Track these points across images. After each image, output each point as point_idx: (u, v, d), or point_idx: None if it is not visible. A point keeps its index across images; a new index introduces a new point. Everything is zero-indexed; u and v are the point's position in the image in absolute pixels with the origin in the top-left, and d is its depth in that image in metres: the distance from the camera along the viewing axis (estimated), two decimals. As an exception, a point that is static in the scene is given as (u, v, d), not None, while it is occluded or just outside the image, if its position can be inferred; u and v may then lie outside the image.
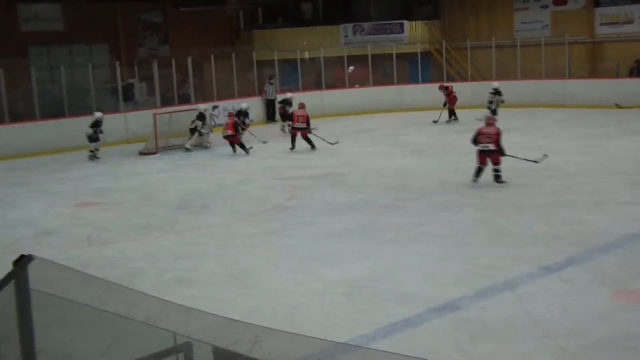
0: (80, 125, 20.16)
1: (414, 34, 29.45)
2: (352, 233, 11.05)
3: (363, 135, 21.65)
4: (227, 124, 19.53)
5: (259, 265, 9.71)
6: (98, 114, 20.08)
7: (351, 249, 10.27)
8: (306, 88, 27.41)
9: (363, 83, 28.40)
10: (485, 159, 13.75)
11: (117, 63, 23.86)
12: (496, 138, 13.60)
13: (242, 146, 18.96)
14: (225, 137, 19.24)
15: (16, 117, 21.77)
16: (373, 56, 27.92)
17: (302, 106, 19.71)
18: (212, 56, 24.94)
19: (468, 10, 30.24)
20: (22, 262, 3.31)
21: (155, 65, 23.90)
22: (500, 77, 26.64)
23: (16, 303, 3.30)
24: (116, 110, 23.23)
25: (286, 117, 21.72)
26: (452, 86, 24.00)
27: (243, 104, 21.72)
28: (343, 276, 9.05)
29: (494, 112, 21.31)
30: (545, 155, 14.18)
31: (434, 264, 9.42)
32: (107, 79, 25.74)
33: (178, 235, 11.55)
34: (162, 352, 3.40)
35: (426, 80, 28.12)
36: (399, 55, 28.11)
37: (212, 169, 17.62)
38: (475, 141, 13.85)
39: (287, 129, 21.03)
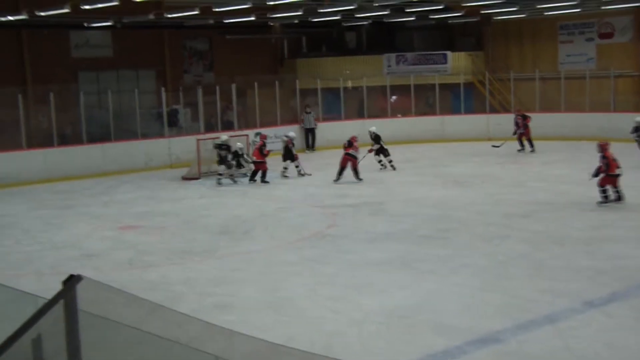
0: (125, 149, 20.52)
1: (457, 64, 29.44)
2: (391, 262, 11.04)
3: (404, 165, 21.63)
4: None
5: (298, 293, 9.74)
6: (224, 137, 20.07)
7: (390, 278, 10.26)
8: (348, 117, 27.53)
9: (405, 113, 28.42)
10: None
11: (163, 89, 24.31)
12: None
13: (263, 175, 19.19)
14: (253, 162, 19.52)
15: (64, 140, 22.26)
16: (416, 86, 27.96)
17: (354, 139, 19.43)
18: (255, 83, 25.24)
19: (512, 42, 30.18)
20: (72, 282, 3.40)
21: (199, 92, 24.26)
22: (543, 110, 26.47)
23: (65, 322, 3.39)
24: (161, 135, 23.61)
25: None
26: (530, 117, 23.46)
27: (238, 143, 20.24)
28: (382, 305, 9.04)
29: None
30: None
31: (474, 296, 9.36)
32: (152, 105, 26.19)
33: (219, 260, 11.65)
34: (204, 375, 3.45)
35: (468, 111, 28.05)
36: (441, 86, 28.11)
37: (253, 195, 17.75)
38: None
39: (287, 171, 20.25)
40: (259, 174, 19.27)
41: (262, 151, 19.40)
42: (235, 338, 3.39)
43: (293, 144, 20.50)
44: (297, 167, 20.10)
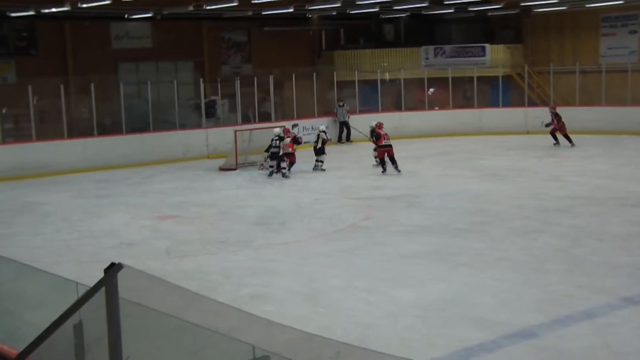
0: (164, 139, 20.73)
1: (495, 57, 29.18)
2: (426, 255, 11.02)
3: (441, 157, 21.54)
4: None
5: (333, 284, 9.78)
6: (277, 130, 19.83)
7: (425, 271, 10.24)
8: (386, 109, 27.46)
9: (443, 105, 28.28)
10: None
11: (201, 80, 24.50)
12: None
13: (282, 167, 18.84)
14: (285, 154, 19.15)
15: (104, 130, 22.56)
16: (454, 79, 27.78)
17: (380, 125, 19.36)
18: (293, 75, 25.30)
19: (552, 34, 29.79)
20: (113, 270, 3.47)
21: (237, 83, 24.39)
22: (583, 103, 26.12)
23: (106, 309, 3.46)
24: (198, 126, 23.79)
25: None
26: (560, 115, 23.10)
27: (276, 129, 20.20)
28: (417, 298, 9.03)
29: None
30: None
31: (510, 290, 9.31)
32: (190, 96, 26.41)
33: (255, 251, 11.73)
34: (241, 364, 3.49)
35: (507, 104, 27.81)
36: (479, 79, 27.89)
37: (290, 187, 17.82)
38: None
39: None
40: (285, 164, 18.93)
41: (298, 141, 19.45)
42: (272, 328, 3.43)
43: (327, 138, 20.41)
44: (319, 161, 19.86)
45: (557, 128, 22.78)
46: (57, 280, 5.47)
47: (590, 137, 23.69)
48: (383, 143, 18.83)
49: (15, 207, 16.01)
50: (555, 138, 22.82)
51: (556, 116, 22.92)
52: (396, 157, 18.81)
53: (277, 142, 19.11)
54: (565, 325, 7.97)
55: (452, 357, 7.15)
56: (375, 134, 19.00)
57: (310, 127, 23.82)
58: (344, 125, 25.97)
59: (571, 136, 22.53)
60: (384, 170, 18.66)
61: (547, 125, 22.99)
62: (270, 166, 19.06)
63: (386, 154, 18.69)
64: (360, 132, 20.53)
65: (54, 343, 4.01)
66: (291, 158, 19.18)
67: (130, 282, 3.63)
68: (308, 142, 21.45)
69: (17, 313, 6.56)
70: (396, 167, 18.61)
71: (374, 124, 19.65)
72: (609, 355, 7.15)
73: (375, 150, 19.26)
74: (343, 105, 25.99)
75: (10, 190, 18.01)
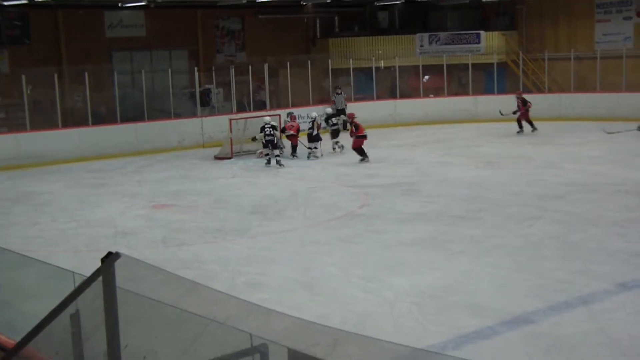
0: (158, 128, 20.69)
1: (490, 44, 29.10)
2: (423, 243, 11.04)
3: (437, 145, 21.53)
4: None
5: (330, 272, 9.79)
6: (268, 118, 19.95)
7: (422, 258, 10.26)
8: (380, 97, 27.42)
9: (438, 93, 28.24)
10: None
11: (196, 69, 24.41)
12: None
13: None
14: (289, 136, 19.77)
15: (98, 120, 22.48)
16: (448, 66, 27.73)
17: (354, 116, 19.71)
18: (288, 63, 25.23)
19: (546, 21, 29.73)
20: (110, 259, 3.46)
21: (232, 72, 24.32)
22: (578, 90, 26.11)
23: (103, 298, 3.45)
24: (193, 114, 23.73)
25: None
26: (530, 103, 23.17)
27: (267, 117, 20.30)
28: (413, 286, 9.06)
29: None
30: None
31: (506, 277, 9.33)
32: (185, 84, 26.31)
33: (251, 239, 11.74)
34: (239, 353, 3.50)
35: (502, 91, 27.74)
36: (474, 66, 27.84)
37: (285, 175, 17.80)
38: None
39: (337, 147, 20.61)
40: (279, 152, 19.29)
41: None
42: (270, 316, 3.43)
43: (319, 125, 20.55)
44: (310, 148, 19.97)
45: (523, 114, 22.82)
46: (54, 270, 5.46)
47: (585, 123, 23.70)
48: (363, 133, 19.06)
49: (11, 197, 15.98)
50: (520, 126, 22.87)
51: (523, 102, 22.94)
52: (392, 144, 18.87)
53: (271, 130, 19.07)
54: (561, 312, 8.00)
55: (449, 344, 7.17)
56: (355, 125, 19.12)
57: (305, 115, 23.75)
58: (342, 113, 25.86)
59: (566, 122, 22.55)
60: (367, 158, 18.81)
61: (515, 112, 22.92)
62: (267, 154, 19.03)
63: (362, 144, 18.99)
64: (336, 124, 20.67)
65: (52, 333, 4.01)
66: (294, 140, 19.49)
67: (127, 271, 3.63)
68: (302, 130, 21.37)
69: (15, 303, 6.56)
70: (366, 157, 18.90)
71: (343, 117, 20.65)
72: (605, 341, 7.18)
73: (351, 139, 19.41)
74: (341, 93, 25.89)
75: (6, 180, 17.97)
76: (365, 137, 19.04)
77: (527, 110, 22.92)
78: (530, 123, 22.92)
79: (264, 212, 13.69)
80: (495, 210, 13.02)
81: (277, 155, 18.87)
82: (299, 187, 16.00)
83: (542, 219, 12.28)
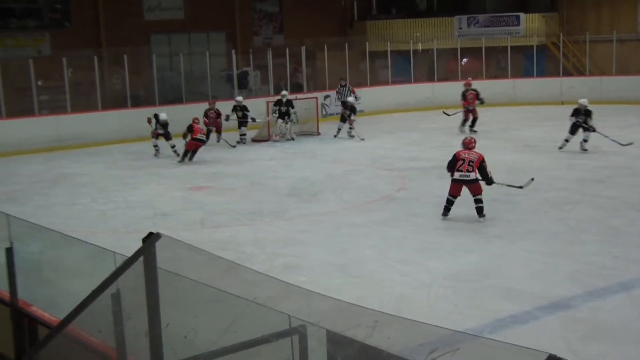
0: (195, 111, 20.75)
1: (530, 26, 28.73)
2: (459, 226, 10.99)
3: (475, 128, 21.30)
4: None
5: (367, 255, 9.80)
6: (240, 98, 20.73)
7: (458, 242, 10.22)
8: (418, 80, 27.26)
9: (476, 76, 27.94)
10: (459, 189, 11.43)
11: (233, 51, 24.48)
12: (478, 165, 11.34)
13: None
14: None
15: (137, 102, 22.70)
16: (487, 49, 27.44)
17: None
18: (325, 46, 25.16)
19: (588, 2, 29.22)
20: (151, 239, 3.51)
21: (269, 54, 24.33)
22: (620, 73, 25.67)
23: (145, 278, 3.50)
24: (231, 97, 23.80)
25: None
26: (476, 92, 21.07)
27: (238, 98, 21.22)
28: (449, 269, 9.03)
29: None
30: (532, 180, 12.02)
31: (544, 261, 9.25)
32: (223, 67, 26.42)
33: (288, 222, 11.78)
34: (277, 334, 3.53)
35: (541, 74, 27.43)
36: (513, 49, 27.52)
37: (322, 158, 17.82)
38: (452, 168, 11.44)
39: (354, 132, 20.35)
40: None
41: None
42: (310, 298, 3.45)
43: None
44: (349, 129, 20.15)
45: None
46: (94, 250, 5.54)
47: (628, 106, 23.31)
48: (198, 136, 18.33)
49: (52, 178, 16.23)
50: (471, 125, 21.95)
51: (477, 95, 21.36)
52: (430, 128, 18.77)
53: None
54: (600, 297, 7.91)
55: (485, 328, 7.14)
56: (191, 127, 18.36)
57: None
58: (346, 105, 25.23)
59: (608, 105, 22.17)
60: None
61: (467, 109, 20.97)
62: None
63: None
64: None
65: (93, 312, 4.08)
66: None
67: (167, 251, 3.67)
68: (333, 113, 21.44)
69: (57, 282, 6.68)
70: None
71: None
72: (645, 327, 7.09)
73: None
74: (345, 85, 25.04)
75: (47, 161, 18.26)
76: (202, 141, 18.06)
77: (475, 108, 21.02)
78: (474, 121, 20.85)
79: (300, 194, 13.73)
80: (533, 194, 12.87)
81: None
82: (335, 170, 16.00)
83: (581, 203, 12.14)
